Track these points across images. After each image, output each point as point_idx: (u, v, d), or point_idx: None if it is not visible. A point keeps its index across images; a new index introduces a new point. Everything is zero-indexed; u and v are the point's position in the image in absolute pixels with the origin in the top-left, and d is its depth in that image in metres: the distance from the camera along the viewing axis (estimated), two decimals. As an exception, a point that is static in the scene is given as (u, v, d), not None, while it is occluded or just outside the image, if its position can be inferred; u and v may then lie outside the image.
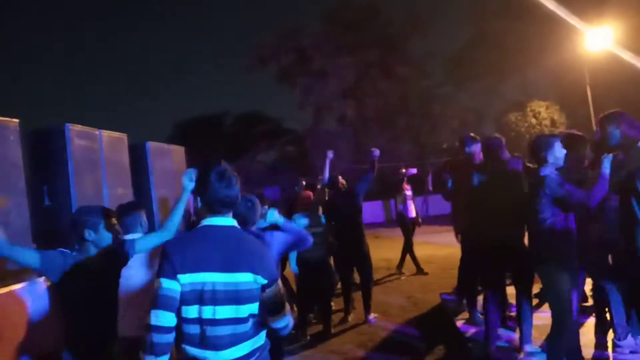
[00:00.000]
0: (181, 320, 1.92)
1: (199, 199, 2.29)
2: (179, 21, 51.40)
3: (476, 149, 4.79)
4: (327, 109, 24.30)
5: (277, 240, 3.05)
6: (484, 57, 21.81)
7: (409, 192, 8.13)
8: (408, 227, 8.13)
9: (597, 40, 15.14)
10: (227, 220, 2.02)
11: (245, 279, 1.93)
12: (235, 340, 1.92)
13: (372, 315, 5.80)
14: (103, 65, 59.25)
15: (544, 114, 20.49)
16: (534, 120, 20.30)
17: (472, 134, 5.07)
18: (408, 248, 8.21)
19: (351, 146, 22.68)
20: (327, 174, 5.52)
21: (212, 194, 1.98)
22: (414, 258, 8.22)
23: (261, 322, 2.03)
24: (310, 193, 5.48)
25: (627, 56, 12.39)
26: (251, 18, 48.10)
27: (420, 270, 8.13)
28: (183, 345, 1.93)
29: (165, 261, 1.92)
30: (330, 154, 5.51)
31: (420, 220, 8.39)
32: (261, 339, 2.03)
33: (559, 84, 21.77)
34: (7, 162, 3.67)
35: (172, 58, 55.38)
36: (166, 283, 1.88)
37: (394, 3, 28.85)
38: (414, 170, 7.84)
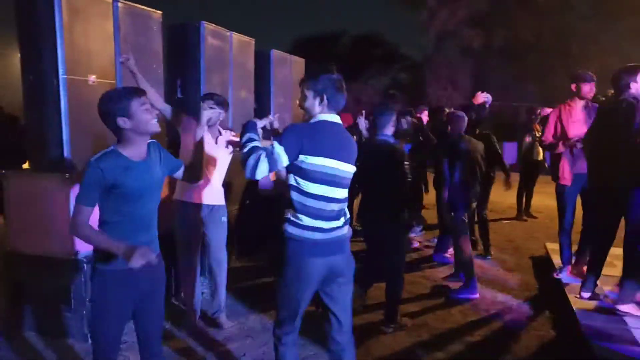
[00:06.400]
0: (304, 194, 2.31)
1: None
2: None
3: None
4: (451, 36, 22.80)
5: None
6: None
7: (539, 134, 7.58)
8: (531, 169, 7.69)
9: None
10: (337, 118, 2.43)
11: (350, 169, 2.41)
12: (338, 215, 2.41)
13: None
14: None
15: None
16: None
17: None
18: (525, 190, 7.84)
19: (471, 81, 21.34)
20: None
21: (331, 96, 2.36)
22: (521, 203, 7.86)
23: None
24: None
25: None
26: None
27: (519, 216, 7.81)
28: (301, 216, 2.32)
29: (294, 138, 2.27)
30: None
31: (546, 165, 7.87)
32: (347, 214, 2.51)
33: None
34: (150, 50, 3.95)
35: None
36: (280, 150, 2.24)
37: None
38: (549, 110, 7.22)
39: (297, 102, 2.51)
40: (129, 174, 2.05)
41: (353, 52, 29.12)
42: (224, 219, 3.65)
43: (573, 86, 4.53)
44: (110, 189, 2.03)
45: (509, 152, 14.44)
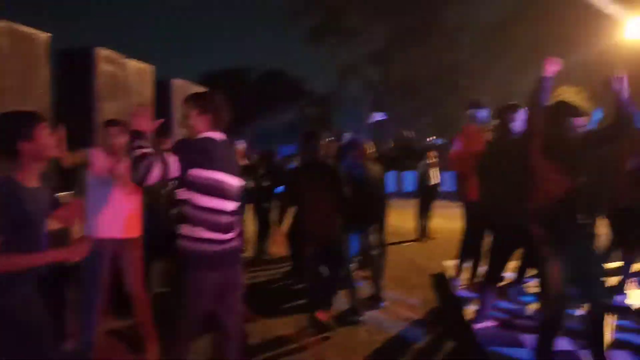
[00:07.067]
0: (197, 208, 2.35)
1: None
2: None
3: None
4: (352, 72, 23.92)
5: None
6: (521, 36, 21.11)
7: (433, 160, 8.12)
8: (427, 193, 8.15)
9: (635, 30, 14.42)
10: (222, 135, 2.50)
11: (236, 182, 2.51)
12: (231, 226, 2.48)
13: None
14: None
15: (573, 98, 19.91)
16: (560, 105, 19.78)
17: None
18: (420, 213, 8.25)
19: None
20: None
21: (215, 114, 2.46)
22: (420, 225, 8.29)
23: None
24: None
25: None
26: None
27: (419, 238, 8.23)
28: (197, 229, 2.36)
29: (185, 153, 2.32)
30: None
31: (440, 191, 8.37)
32: (238, 227, 2.59)
33: (591, 73, 21.08)
34: (35, 75, 3.72)
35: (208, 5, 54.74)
36: (172, 160, 2.28)
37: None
38: (439, 141, 7.85)
39: (180, 121, 2.54)
40: (24, 201, 1.94)
41: (260, 87, 29.68)
42: (139, 251, 3.34)
43: (469, 112, 4.97)
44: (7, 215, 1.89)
45: (409, 179, 15.26)
